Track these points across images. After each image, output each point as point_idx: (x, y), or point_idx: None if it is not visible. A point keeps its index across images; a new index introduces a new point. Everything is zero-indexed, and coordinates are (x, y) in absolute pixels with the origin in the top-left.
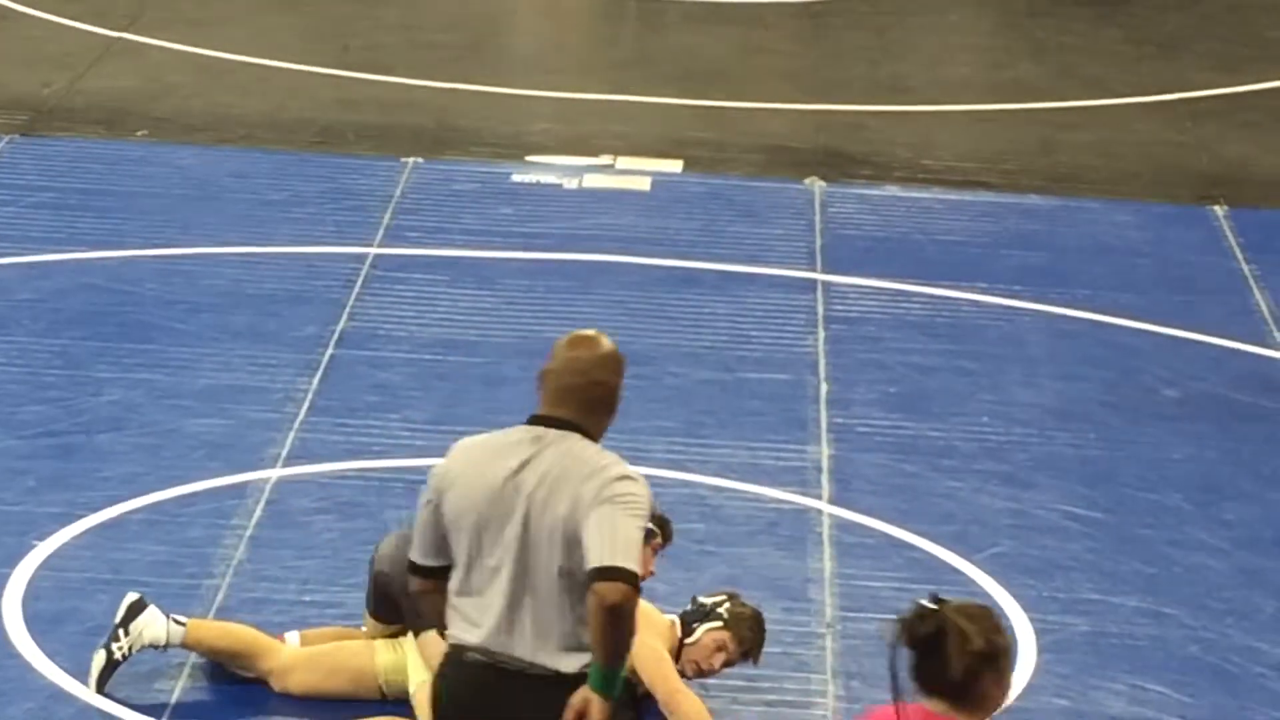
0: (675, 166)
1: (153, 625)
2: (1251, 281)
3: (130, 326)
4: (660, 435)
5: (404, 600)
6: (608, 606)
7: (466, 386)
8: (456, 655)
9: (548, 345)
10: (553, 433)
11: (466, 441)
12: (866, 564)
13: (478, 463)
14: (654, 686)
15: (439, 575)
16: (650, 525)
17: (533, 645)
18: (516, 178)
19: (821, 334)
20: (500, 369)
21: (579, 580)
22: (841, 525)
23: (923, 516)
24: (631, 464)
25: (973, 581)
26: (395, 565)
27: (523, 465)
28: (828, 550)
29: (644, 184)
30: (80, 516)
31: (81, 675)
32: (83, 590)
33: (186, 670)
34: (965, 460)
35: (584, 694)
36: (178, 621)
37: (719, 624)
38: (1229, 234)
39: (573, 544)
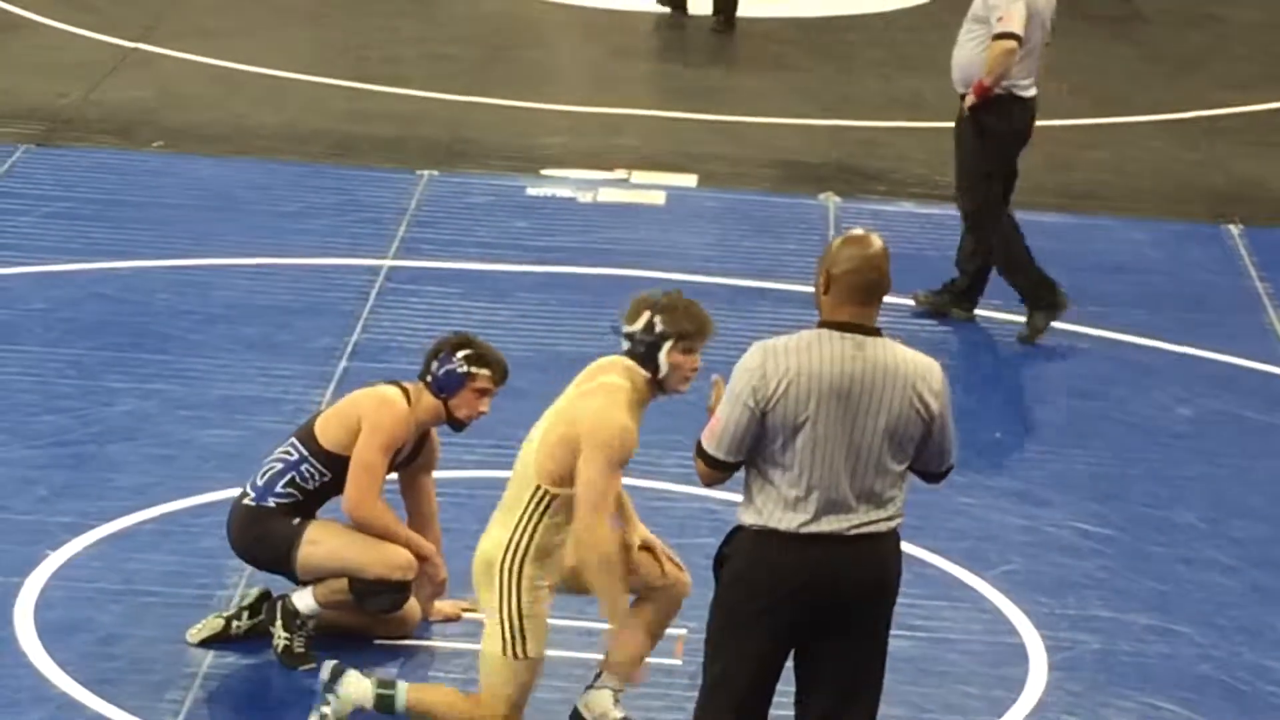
0: (690, 181)
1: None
2: (1266, 300)
3: (143, 337)
4: (673, 449)
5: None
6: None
7: None
8: (779, 539)
9: (561, 359)
10: (867, 339)
11: (776, 344)
12: None
13: (808, 363)
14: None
15: (729, 469)
16: (471, 368)
17: (857, 518)
18: (531, 191)
19: None
20: (514, 381)
21: (898, 465)
22: None
23: (935, 533)
24: (643, 478)
25: (984, 598)
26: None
27: (851, 365)
28: None
29: (658, 198)
30: (92, 526)
31: (93, 684)
32: (94, 600)
33: (198, 680)
34: (978, 477)
35: None
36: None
37: (669, 339)
38: (1244, 252)
39: (904, 439)
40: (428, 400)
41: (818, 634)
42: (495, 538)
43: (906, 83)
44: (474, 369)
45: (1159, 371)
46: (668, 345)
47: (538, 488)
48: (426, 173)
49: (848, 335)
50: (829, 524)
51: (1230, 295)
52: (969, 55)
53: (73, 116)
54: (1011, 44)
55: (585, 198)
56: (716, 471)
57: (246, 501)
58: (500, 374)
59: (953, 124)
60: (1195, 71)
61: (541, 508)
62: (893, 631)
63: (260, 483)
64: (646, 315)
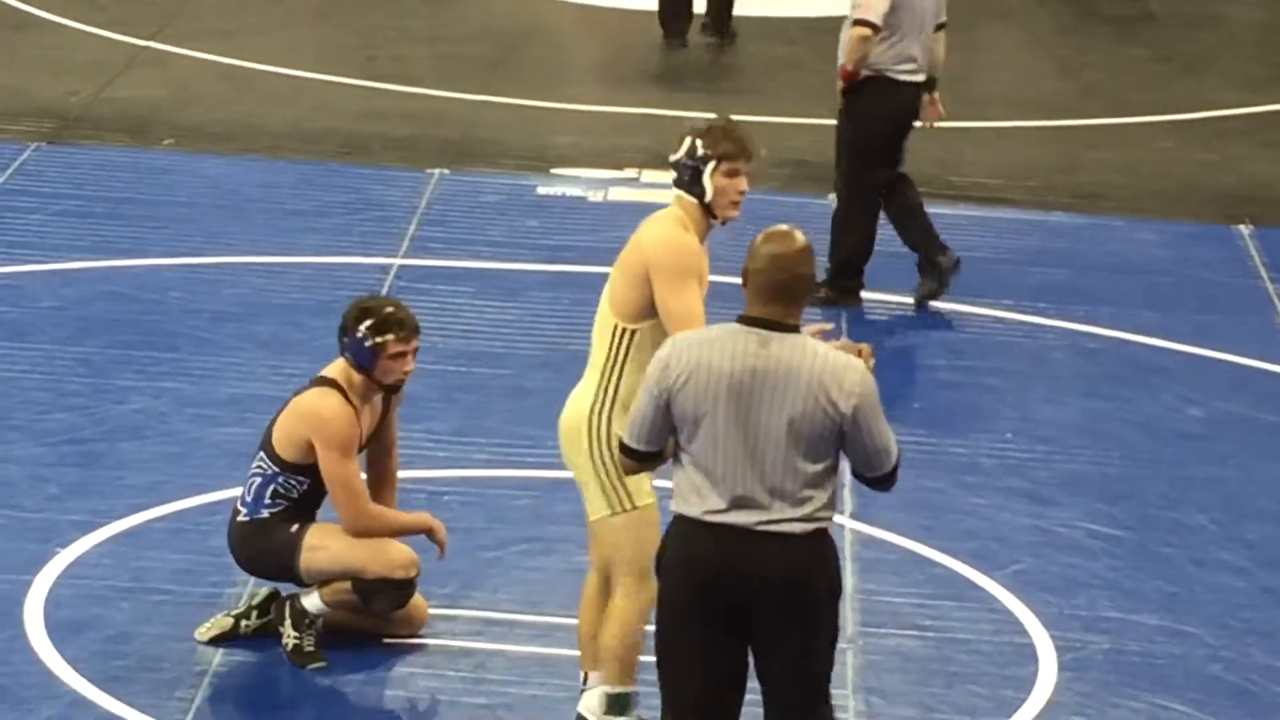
0: None
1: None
2: (1276, 300)
3: (154, 335)
4: None
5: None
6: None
7: (490, 398)
8: (692, 526)
9: (572, 358)
10: (775, 335)
11: (686, 337)
12: (888, 580)
13: (708, 358)
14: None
15: (647, 459)
16: (376, 338)
17: (767, 515)
18: (542, 190)
19: None
20: (524, 381)
21: (812, 465)
22: (863, 540)
23: (945, 533)
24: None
25: (994, 598)
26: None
27: (752, 361)
28: (849, 565)
29: (669, 197)
30: (103, 524)
31: (102, 682)
32: (105, 598)
33: (208, 678)
34: (988, 477)
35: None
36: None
37: (711, 160)
38: (1254, 253)
39: (812, 438)
40: (356, 378)
41: (751, 625)
42: (583, 391)
43: None
44: (379, 338)
45: (1169, 372)
46: (710, 167)
47: (615, 326)
48: (437, 171)
49: (754, 331)
50: (737, 517)
51: (1240, 296)
52: (842, 40)
53: (84, 114)
54: (865, 31)
55: (596, 197)
56: (633, 461)
57: (241, 518)
58: (407, 332)
59: (956, 123)
60: (1205, 72)
61: (624, 348)
62: (902, 631)
63: (249, 497)
64: (688, 141)
